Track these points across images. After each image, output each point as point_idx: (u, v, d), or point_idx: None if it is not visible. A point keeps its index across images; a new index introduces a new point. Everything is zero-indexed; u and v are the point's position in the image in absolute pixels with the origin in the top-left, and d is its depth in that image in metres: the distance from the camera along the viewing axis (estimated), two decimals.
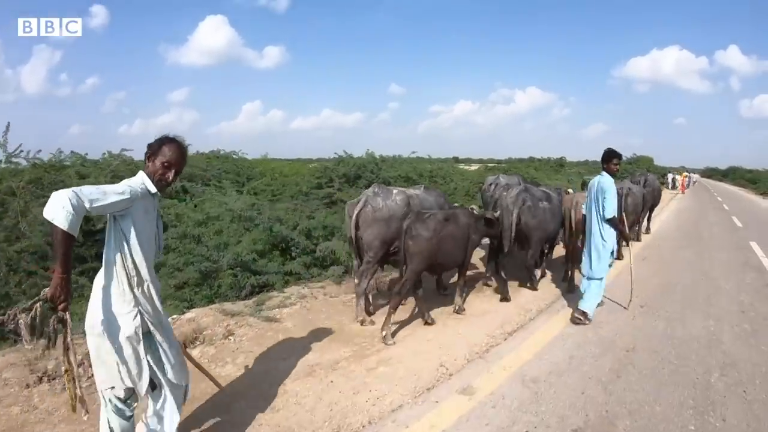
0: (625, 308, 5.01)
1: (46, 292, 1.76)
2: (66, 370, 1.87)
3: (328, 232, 8.08)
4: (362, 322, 4.43)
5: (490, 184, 6.76)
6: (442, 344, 4.06)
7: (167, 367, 2.20)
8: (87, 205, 1.78)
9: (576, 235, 5.67)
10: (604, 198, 4.41)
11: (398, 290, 4.07)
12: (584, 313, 4.53)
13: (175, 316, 4.33)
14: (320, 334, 4.27)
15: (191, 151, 19.17)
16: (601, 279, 4.55)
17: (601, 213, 4.44)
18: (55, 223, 1.70)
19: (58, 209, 1.71)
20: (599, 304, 4.70)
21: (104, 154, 14.33)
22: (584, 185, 7.91)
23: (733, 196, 27.39)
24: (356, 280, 4.56)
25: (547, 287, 5.98)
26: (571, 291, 5.60)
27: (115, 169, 12.71)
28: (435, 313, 4.70)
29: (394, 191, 4.57)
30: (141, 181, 2.11)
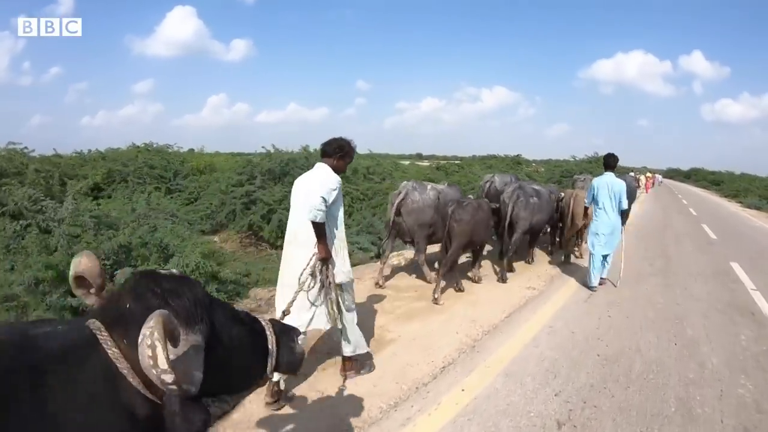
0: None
1: (317, 256, 2.52)
2: (327, 296, 2.60)
3: (170, 253, 5.54)
4: (431, 281, 4.97)
5: (486, 182, 7.14)
6: None
7: (344, 308, 2.77)
8: (328, 203, 2.49)
9: (572, 222, 6.42)
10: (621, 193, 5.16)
11: (446, 262, 4.58)
12: (602, 280, 5.33)
13: None
14: None
15: (125, 144, 16.42)
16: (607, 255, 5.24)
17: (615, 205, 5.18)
18: (317, 220, 2.43)
19: (317, 213, 2.42)
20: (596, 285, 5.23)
21: None
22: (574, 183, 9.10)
23: (698, 198, 25.28)
24: (414, 257, 5.36)
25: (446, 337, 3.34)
26: (567, 262, 6.59)
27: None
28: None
29: (428, 187, 5.10)
30: (332, 173, 2.70)
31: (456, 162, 19.87)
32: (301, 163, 13.77)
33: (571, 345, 3.61)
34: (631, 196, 10.35)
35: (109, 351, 0.80)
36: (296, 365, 1.16)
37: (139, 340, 0.74)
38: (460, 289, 4.89)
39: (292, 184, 10.85)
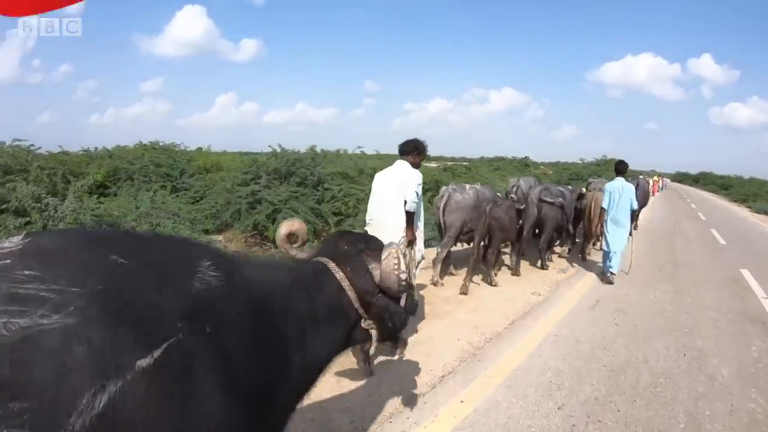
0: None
1: (405, 239, 2.97)
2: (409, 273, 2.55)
3: None
4: (435, 284, 5.13)
5: (513, 186, 7.31)
6: None
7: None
8: (420, 195, 3.17)
9: (594, 220, 6.71)
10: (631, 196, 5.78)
11: (491, 255, 5.22)
12: (613, 274, 5.71)
13: None
14: None
15: (131, 142, 16.39)
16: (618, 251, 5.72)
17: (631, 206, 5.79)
18: (411, 210, 3.04)
19: (412, 204, 3.03)
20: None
21: None
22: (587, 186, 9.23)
23: (707, 203, 24.87)
24: (438, 249, 5.40)
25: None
26: (583, 260, 7.01)
27: (5, 162, 10.39)
28: None
29: (467, 188, 5.45)
30: (413, 169, 3.24)
31: (464, 163, 19.71)
32: (307, 163, 13.65)
33: (576, 354, 3.48)
34: (645, 197, 11.08)
35: (337, 274, 1.28)
36: (414, 310, 1.58)
37: (385, 255, 1.28)
38: (464, 292, 4.83)
39: (298, 184, 10.65)
